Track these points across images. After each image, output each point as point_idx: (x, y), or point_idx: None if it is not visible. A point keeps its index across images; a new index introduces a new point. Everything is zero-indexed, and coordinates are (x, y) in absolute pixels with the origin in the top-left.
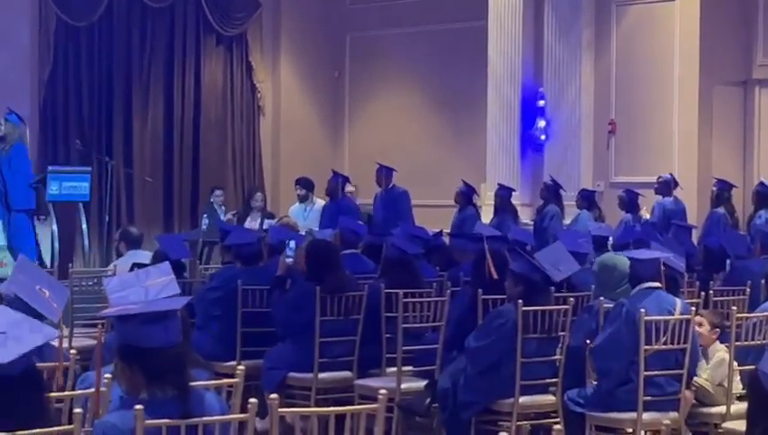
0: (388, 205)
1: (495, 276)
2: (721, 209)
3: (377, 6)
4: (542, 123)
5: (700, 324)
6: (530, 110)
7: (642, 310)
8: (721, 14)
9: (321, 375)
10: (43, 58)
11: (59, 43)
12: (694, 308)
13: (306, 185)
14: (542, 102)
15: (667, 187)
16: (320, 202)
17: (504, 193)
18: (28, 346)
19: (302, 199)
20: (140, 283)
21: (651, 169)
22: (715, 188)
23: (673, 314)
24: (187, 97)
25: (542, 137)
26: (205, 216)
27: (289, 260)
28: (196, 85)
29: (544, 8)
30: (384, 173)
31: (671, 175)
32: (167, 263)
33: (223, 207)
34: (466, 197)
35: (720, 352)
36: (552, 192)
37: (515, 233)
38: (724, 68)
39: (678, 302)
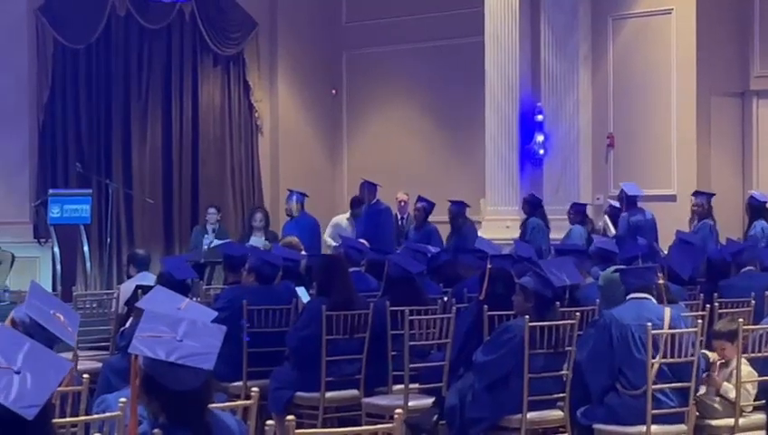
0: (371, 220)
1: (481, 297)
2: (710, 220)
3: (372, 24)
4: (540, 138)
5: (723, 349)
6: (528, 124)
7: (649, 324)
8: (717, 25)
9: (329, 394)
10: (42, 81)
11: (57, 66)
12: (700, 321)
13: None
14: (539, 117)
15: (622, 202)
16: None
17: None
18: (48, 390)
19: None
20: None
21: (650, 182)
22: (704, 203)
23: (660, 325)
24: (185, 117)
25: (541, 151)
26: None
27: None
28: (193, 105)
29: (540, 23)
30: (367, 189)
31: (623, 190)
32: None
33: (216, 225)
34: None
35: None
36: (532, 206)
37: (519, 248)
38: (722, 79)
39: (667, 311)
